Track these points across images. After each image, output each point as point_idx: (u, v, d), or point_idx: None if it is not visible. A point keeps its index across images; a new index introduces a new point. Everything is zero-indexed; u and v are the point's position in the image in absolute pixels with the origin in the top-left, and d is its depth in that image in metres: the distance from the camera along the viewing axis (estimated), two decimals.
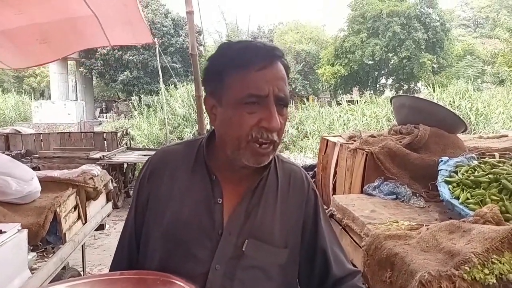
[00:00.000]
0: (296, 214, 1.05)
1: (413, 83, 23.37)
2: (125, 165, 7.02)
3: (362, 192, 2.13)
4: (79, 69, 21.87)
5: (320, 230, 1.06)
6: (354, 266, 1.70)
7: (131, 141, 9.10)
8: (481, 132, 9.12)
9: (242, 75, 0.91)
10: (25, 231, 1.77)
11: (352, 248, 1.74)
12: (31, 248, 1.99)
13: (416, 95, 18.75)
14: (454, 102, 11.12)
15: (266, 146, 0.92)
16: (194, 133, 12.68)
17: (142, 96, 17.42)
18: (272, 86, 0.90)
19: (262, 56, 0.92)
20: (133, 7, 3.07)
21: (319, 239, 1.06)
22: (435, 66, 21.33)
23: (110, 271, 1.01)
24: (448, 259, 1.17)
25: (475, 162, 1.87)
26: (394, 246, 1.35)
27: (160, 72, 8.34)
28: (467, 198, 1.62)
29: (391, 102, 2.72)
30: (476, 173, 1.75)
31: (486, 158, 1.94)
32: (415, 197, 1.93)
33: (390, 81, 24.91)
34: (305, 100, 16.44)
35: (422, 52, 21.10)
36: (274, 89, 0.91)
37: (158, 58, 8.83)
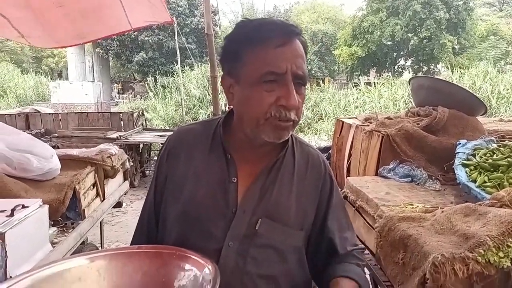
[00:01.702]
0: (313, 196, 1.05)
1: (433, 64, 22.72)
2: (141, 145, 7.12)
3: (377, 174, 2.12)
4: (96, 50, 22.03)
5: (329, 219, 1.06)
6: (367, 247, 1.71)
7: (147, 122, 9.20)
8: (502, 115, 8.87)
9: (260, 52, 0.90)
10: (46, 207, 1.83)
11: (365, 229, 1.74)
12: (52, 223, 2.06)
13: (436, 77, 18.27)
14: (475, 84, 10.80)
15: (285, 121, 0.92)
16: (209, 114, 12.72)
17: (157, 77, 17.49)
18: (290, 63, 0.89)
19: (280, 33, 0.91)
20: None
21: (326, 227, 1.06)
22: (456, 47, 20.65)
23: None
24: (462, 242, 1.17)
25: (494, 145, 1.83)
26: (408, 228, 1.35)
27: (178, 52, 8.31)
28: (484, 182, 1.60)
29: (409, 83, 2.66)
30: (494, 157, 1.72)
31: (506, 141, 1.90)
32: (430, 180, 1.91)
33: (409, 62, 24.28)
34: (321, 82, 16.22)
35: (443, 33, 20.40)
36: (292, 67, 0.90)
37: (176, 38, 8.77)
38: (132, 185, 5.93)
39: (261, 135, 0.93)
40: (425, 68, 22.60)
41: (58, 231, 2.14)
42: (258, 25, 0.94)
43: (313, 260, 1.08)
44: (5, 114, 7.48)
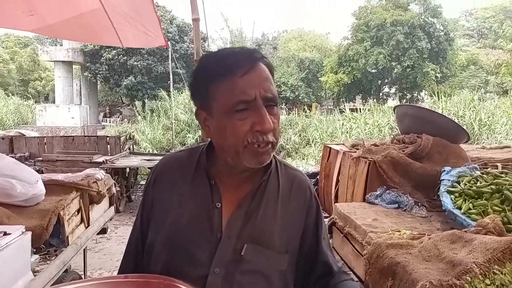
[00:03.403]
0: (298, 220, 1.06)
1: (416, 92, 23.37)
2: (128, 170, 7.03)
3: (364, 200, 2.14)
4: (84, 74, 22.03)
5: (321, 242, 1.08)
6: (355, 273, 1.71)
7: (134, 145, 9.13)
8: (484, 142, 9.10)
9: (227, 84, 0.92)
10: (29, 234, 1.78)
11: (354, 256, 1.74)
12: (34, 250, 2.00)
13: (419, 104, 18.75)
14: (458, 112, 11.10)
15: (264, 145, 0.93)
16: (197, 138, 12.73)
17: (146, 101, 17.51)
18: (258, 89, 0.91)
19: (243, 61, 0.92)
20: (147, 5, 3.03)
21: (321, 250, 1.07)
22: (438, 75, 21.36)
23: (118, 274, 1.03)
24: (449, 269, 1.18)
25: (478, 173, 1.88)
26: (396, 255, 1.36)
27: (171, 77, 8.41)
28: (469, 208, 1.63)
29: (394, 111, 2.73)
30: (478, 184, 1.76)
31: (489, 169, 1.95)
32: (417, 207, 1.94)
33: (393, 90, 24.93)
34: (306, 109, 16.48)
35: (426, 62, 21.13)
36: (261, 91, 0.91)
37: (170, 63, 8.92)
38: (117, 210, 5.81)
39: (243, 162, 0.95)
40: (409, 96, 23.21)
41: (40, 259, 2.07)
42: (220, 57, 0.96)
43: (305, 281, 1.08)
44: None
